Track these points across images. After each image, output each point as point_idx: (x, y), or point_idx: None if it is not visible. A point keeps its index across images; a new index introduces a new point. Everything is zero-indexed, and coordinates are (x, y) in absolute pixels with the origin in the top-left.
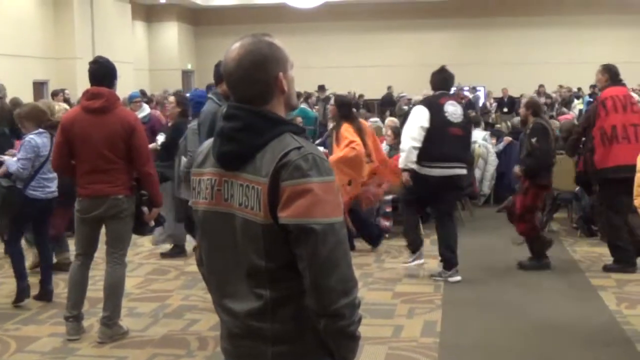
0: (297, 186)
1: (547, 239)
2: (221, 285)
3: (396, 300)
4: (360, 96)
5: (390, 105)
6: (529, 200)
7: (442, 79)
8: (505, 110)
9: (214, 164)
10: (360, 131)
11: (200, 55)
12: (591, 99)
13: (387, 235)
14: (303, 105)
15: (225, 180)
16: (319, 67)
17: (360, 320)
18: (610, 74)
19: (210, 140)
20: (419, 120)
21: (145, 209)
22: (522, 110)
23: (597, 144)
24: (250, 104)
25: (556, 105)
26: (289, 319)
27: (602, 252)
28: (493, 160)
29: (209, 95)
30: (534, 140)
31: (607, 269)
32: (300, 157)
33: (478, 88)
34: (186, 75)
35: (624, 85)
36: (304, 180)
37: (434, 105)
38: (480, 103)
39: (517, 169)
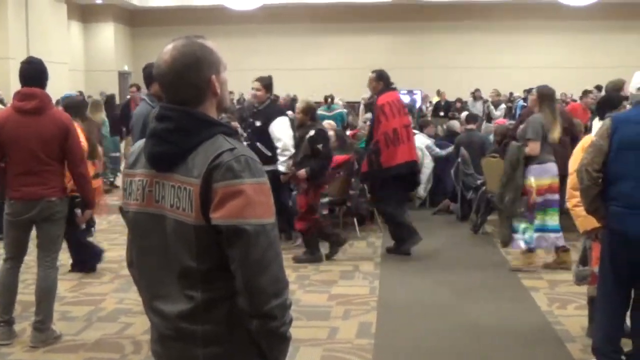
0: (229, 187)
1: (336, 236)
2: (152, 287)
3: (332, 302)
4: (294, 99)
5: None
6: (310, 199)
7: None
8: (442, 114)
9: (145, 165)
10: None
11: (137, 56)
12: (525, 104)
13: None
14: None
15: (156, 181)
16: (257, 69)
17: (291, 321)
18: (384, 80)
19: (141, 141)
20: None
21: (78, 211)
22: (299, 115)
23: (382, 147)
24: (183, 105)
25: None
26: (221, 321)
27: (535, 253)
28: (429, 164)
29: (142, 96)
30: (319, 146)
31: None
32: (232, 158)
33: (415, 92)
34: (123, 76)
35: (395, 89)
36: (237, 181)
37: None
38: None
39: (302, 171)
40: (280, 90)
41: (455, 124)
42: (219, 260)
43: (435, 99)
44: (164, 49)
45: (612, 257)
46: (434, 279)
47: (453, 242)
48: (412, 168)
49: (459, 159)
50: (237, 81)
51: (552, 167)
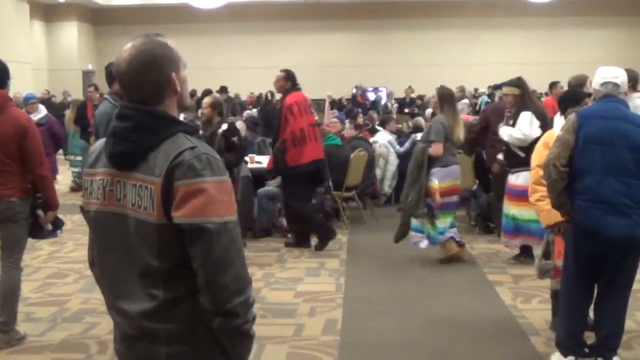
0: (190, 186)
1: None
2: (114, 287)
3: (298, 299)
4: (236, 96)
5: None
6: None
7: None
8: (407, 110)
9: (106, 164)
10: None
11: (101, 55)
12: (489, 99)
13: (289, 235)
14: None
15: (117, 180)
16: (221, 68)
17: (254, 318)
18: (292, 80)
19: (101, 141)
20: None
21: (40, 212)
22: (206, 111)
23: (289, 146)
24: (143, 104)
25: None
26: (183, 320)
27: (499, 249)
28: (394, 160)
29: (105, 95)
30: (234, 139)
31: (287, 244)
32: (193, 157)
33: (380, 89)
34: (87, 75)
35: (300, 89)
36: (198, 180)
37: None
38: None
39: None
40: (244, 88)
41: (421, 121)
42: (181, 259)
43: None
44: (123, 47)
45: (577, 251)
46: (399, 274)
47: None
48: (319, 166)
49: None
50: (201, 79)
51: (456, 169)
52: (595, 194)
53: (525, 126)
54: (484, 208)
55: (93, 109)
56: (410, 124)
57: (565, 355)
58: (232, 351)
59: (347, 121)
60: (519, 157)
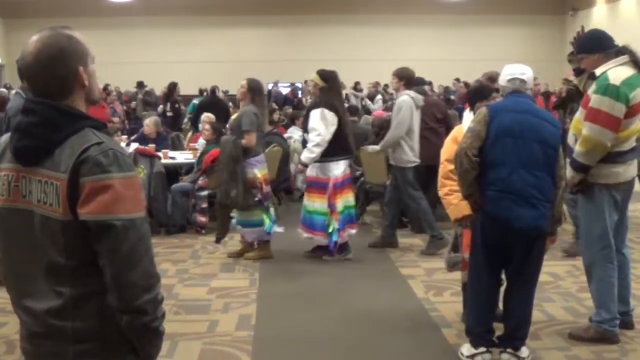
0: (97, 182)
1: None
2: (20, 284)
3: (211, 295)
4: (151, 91)
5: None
6: None
7: None
8: None
9: (11, 159)
10: None
11: (11, 49)
12: None
13: (203, 231)
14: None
15: (22, 176)
16: (135, 62)
17: (163, 315)
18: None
19: (6, 136)
20: None
21: None
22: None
23: None
24: (50, 98)
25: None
26: (91, 317)
27: (413, 243)
28: None
29: (17, 89)
30: None
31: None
32: (100, 152)
33: (297, 84)
34: None
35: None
36: (104, 176)
37: None
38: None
39: None
40: (157, 83)
41: None
42: (88, 256)
43: None
44: (28, 40)
45: (484, 241)
46: (313, 269)
47: None
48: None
49: None
50: (114, 74)
51: (264, 157)
52: (506, 185)
53: (318, 124)
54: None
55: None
56: None
57: (475, 345)
58: (142, 348)
59: None
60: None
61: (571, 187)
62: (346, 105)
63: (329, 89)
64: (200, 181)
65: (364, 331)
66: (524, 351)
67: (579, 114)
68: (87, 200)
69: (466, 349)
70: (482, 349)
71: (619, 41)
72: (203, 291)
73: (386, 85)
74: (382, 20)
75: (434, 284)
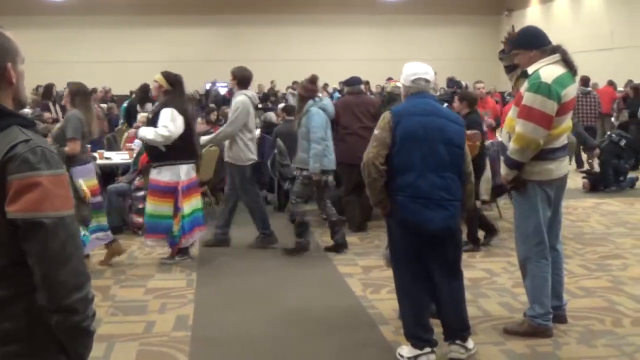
0: (25, 180)
1: None
2: None
3: (148, 296)
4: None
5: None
6: None
7: None
8: (260, 105)
9: None
10: None
11: None
12: (340, 95)
13: (139, 232)
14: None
15: None
16: (73, 62)
17: (94, 315)
18: None
19: None
20: None
21: None
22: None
23: None
24: None
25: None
26: (20, 317)
27: (350, 241)
28: None
29: None
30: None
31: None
32: (28, 150)
33: None
34: None
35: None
36: (33, 173)
37: None
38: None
39: None
40: (96, 82)
41: (271, 115)
42: (16, 255)
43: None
44: None
45: (401, 244)
46: (251, 268)
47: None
48: None
49: (276, 150)
50: (55, 73)
51: (92, 167)
52: (414, 189)
53: (169, 122)
54: (335, 202)
55: None
56: (262, 118)
57: (419, 347)
58: (72, 349)
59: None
60: (161, 152)
61: (505, 184)
62: (284, 104)
63: (176, 92)
64: (137, 182)
65: (302, 330)
66: (471, 342)
67: (512, 112)
68: (15, 198)
69: (406, 350)
70: (427, 349)
71: (553, 41)
72: (140, 292)
73: (325, 85)
74: (321, 20)
75: (372, 281)
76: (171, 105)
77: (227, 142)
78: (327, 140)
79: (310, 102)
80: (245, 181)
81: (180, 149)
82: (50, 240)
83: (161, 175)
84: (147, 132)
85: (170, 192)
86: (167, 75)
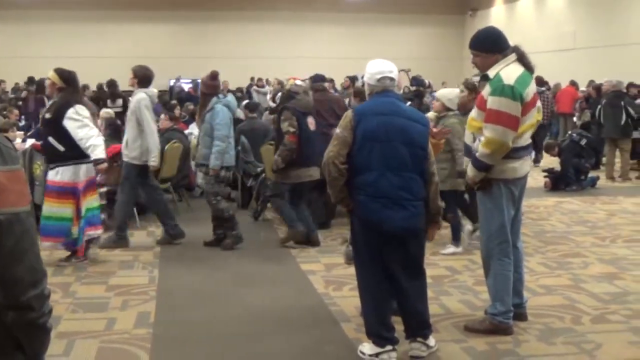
0: None
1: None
2: None
3: (110, 293)
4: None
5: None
6: None
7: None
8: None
9: None
10: None
11: None
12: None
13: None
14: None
15: None
16: (37, 57)
17: (51, 311)
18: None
19: None
20: None
21: None
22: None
23: None
24: None
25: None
26: None
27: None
28: None
29: None
30: None
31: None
32: None
33: (198, 80)
34: None
35: None
36: None
37: None
38: None
39: None
40: None
41: (238, 112)
42: None
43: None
44: None
45: (363, 243)
46: (213, 266)
47: None
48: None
49: (239, 147)
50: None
51: None
52: (374, 189)
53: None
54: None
55: None
56: None
57: (380, 344)
58: (28, 346)
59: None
60: (60, 152)
61: (472, 185)
62: (247, 101)
63: (71, 90)
64: (99, 177)
65: (264, 327)
66: (432, 340)
67: (474, 113)
68: None
69: (367, 348)
70: (389, 347)
71: (517, 41)
72: (101, 289)
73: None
74: (286, 18)
75: (334, 279)
76: (73, 104)
77: (126, 139)
78: (230, 138)
79: (215, 99)
80: (130, 179)
81: (80, 148)
82: (5, 237)
83: (60, 175)
84: (96, 142)
85: (69, 192)
86: (60, 73)
